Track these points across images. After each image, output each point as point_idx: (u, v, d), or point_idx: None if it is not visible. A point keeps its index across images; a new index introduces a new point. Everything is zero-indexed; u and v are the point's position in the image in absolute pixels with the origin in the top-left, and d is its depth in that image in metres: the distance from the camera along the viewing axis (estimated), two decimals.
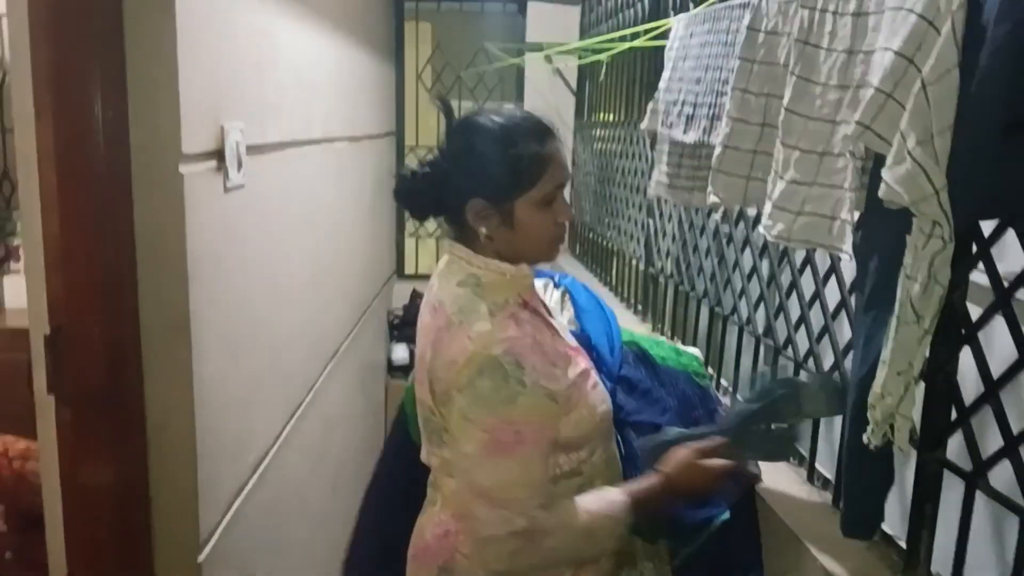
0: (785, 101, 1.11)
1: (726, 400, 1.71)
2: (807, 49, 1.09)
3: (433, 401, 1.20)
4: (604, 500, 1.19)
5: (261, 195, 1.72)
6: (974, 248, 1.03)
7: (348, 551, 1.67)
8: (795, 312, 1.53)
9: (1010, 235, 0.97)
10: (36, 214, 1.28)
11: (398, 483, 1.56)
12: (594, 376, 1.26)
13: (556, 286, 1.55)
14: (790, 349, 1.53)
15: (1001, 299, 0.99)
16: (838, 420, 1.31)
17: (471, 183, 1.20)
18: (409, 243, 4.30)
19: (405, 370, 3.75)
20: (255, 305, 1.70)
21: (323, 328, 2.41)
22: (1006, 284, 0.98)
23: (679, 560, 1.31)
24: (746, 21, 1.27)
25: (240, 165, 1.57)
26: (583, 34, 3.75)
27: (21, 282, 4.04)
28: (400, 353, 3.80)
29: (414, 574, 1.31)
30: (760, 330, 1.65)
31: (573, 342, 1.30)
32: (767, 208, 1.11)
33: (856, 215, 1.02)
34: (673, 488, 1.21)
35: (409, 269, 4.29)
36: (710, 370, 1.80)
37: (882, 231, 0.96)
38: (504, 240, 1.22)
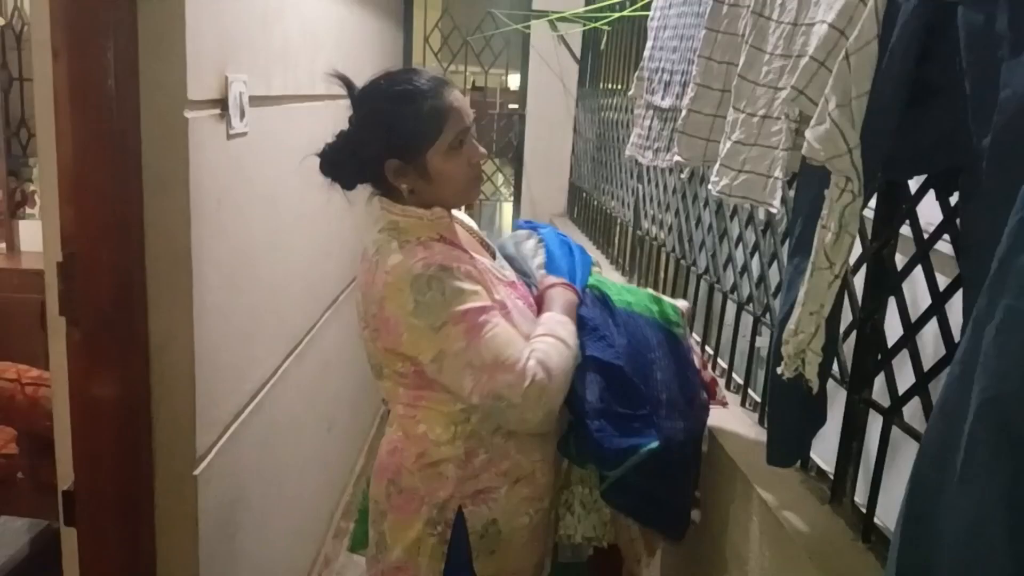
0: (738, 68, 1.21)
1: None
2: (760, 20, 1.19)
3: (370, 336, 1.36)
4: (552, 317, 1.37)
5: (263, 144, 1.83)
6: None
7: None
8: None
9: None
10: (52, 148, 1.40)
11: None
12: (516, 307, 1.40)
13: (534, 235, 1.67)
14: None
15: (921, 252, 1.10)
16: None
17: (383, 146, 1.35)
18: None
19: None
20: (255, 245, 1.82)
21: (321, 276, 2.53)
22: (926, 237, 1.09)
23: (604, 485, 1.42)
24: None
25: (243, 115, 1.68)
26: (588, 3, 3.82)
27: (36, 226, 4.20)
28: None
29: (374, 488, 1.45)
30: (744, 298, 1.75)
31: (507, 277, 1.43)
32: (715, 166, 1.22)
33: (789, 175, 1.12)
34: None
35: None
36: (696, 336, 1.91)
37: (807, 188, 1.06)
38: (425, 191, 1.37)
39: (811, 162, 0.97)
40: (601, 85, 3.42)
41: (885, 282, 1.18)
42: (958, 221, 0.94)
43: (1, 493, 2.35)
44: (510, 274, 1.46)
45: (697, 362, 1.58)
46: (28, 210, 4.10)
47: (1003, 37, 0.76)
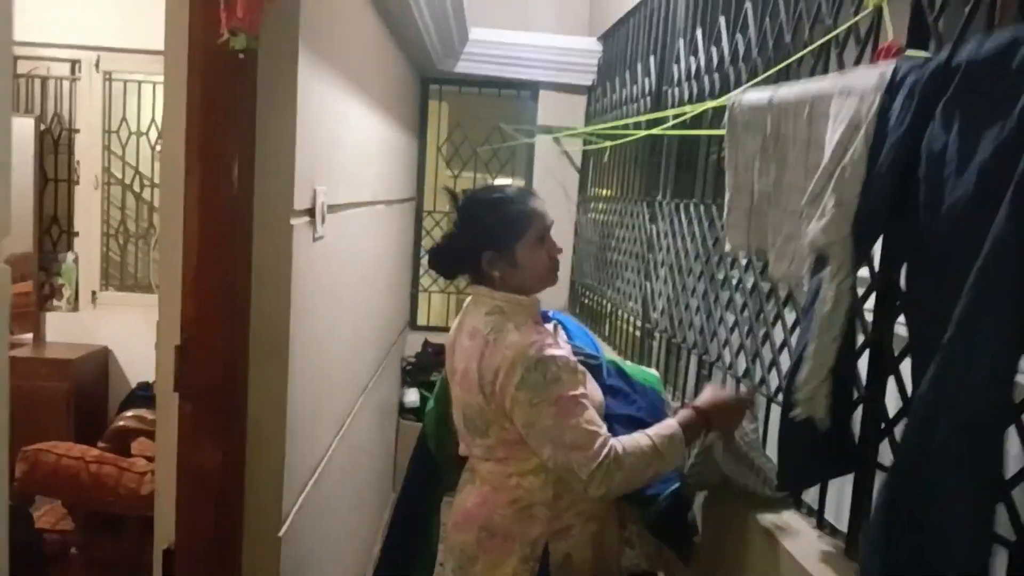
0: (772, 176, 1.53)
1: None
2: (779, 140, 1.51)
3: (484, 400, 1.58)
4: (662, 426, 1.58)
5: (332, 245, 2.10)
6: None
7: (385, 540, 2.05)
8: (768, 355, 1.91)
9: None
10: (175, 248, 1.65)
11: (423, 484, 1.99)
12: (591, 393, 1.66)
13: (548, 321, 1.96)
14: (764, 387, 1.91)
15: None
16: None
17: (481, 242, 1.66)
18: (421, 297, 4.69)
19: (415, 412, 4.08)
20: (323, 335, 2.06)
21: (359, 363, 2.76)
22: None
23: (650, 519, 1.71)
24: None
25: (324, 220, 1.96)
26: (588, 120, 4.22)
27: (62, 317, 4.41)
28: (411, 396, 4.13)
29: (457, 538, 1.67)
30: (740, 372, 2.03)
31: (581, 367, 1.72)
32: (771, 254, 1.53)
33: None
34: (709, 418, 1.60)
35: (420, 321, 4.67)
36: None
37: (816, 270, 1.36)
38: (513, 278, 1.66)
39: (813, 248, 1.26)
40: (600, 192, 3.78)
41: (883, 367, 1.45)
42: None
43: (54, 569, 2.48)
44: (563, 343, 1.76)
45: None
46: (55, 302, 4.33)
47: (952, 159, 1.05)
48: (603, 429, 1.54)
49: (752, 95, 1.67)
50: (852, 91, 1.28)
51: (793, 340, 1.79)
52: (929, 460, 0.98)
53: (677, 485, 1.68)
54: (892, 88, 1.21)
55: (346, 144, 2.29)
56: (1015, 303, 0.90)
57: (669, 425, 1.58)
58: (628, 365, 1.94)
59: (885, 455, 1.44)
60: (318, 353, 2.01)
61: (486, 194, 1.75)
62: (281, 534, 1.74)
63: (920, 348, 1.11)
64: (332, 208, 2.08)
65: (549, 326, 1.93)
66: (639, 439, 1.54)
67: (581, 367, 1.65)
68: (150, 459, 2.51)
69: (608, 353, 1.97)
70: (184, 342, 1.65)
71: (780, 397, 1.77)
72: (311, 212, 1.85)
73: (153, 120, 4.20)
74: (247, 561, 1.72)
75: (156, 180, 4.19)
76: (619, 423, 1.69)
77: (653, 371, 2.03)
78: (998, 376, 0.92)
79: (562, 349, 1.61)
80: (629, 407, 1.74)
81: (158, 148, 4.09)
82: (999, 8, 1.21)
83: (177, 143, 1.66)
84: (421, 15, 2.91)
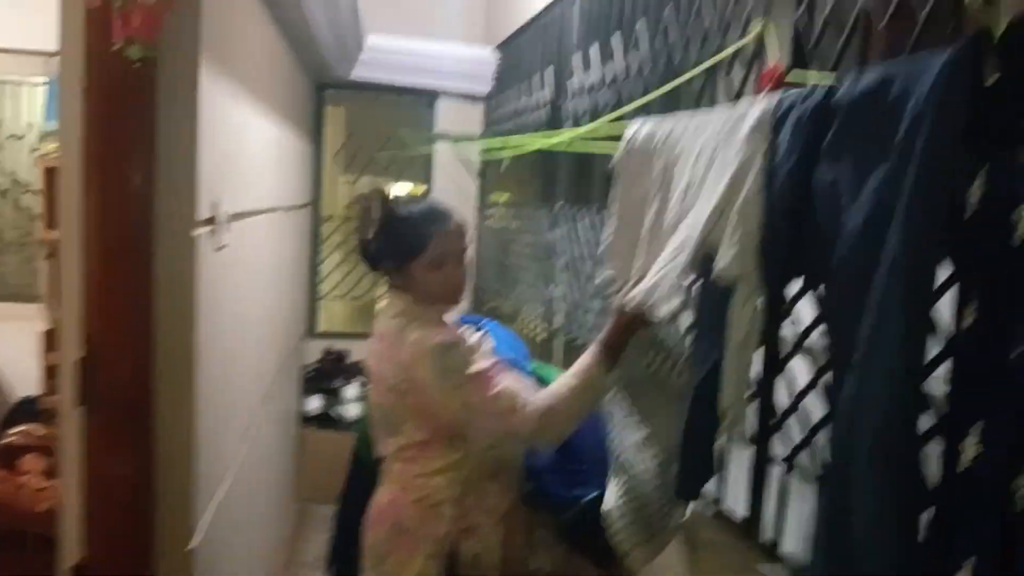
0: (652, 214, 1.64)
1: None
2: (665, 178, 1.62)
3: (396, 399, 1.65)
4: (579, 363, 1.65)
5: (234, 253, 2.10)
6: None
7: (328, 553, 2.08)
8: None
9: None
10: (78, 260, 1.62)
11: (359, 492, 2.00)
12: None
13: (478, 329, 2.02)
14: None
15: (797, 344, 1.52)
16: None
17: (387, 250, 1.74)
18: (322, 304, 4.65)
19: (318, 420, 4.05)
20: (228, 343, 2.06)
21: (262, 371, 2.74)
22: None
23: (566, 522, 1.79)
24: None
25: (226, 229, 1.96)
26: (486, 127, 4.31)
27: None
28: (313, 404, 4.10)
29: (369, 536, 1.72)
30: None
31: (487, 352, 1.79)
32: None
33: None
34: (623, 319, 1.63)
35: (321, 328, 4.63)
36: None
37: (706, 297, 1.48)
38: (414, 289, 1.73)
39: (725, 278, 1.37)
40: (505, 199, 3.87)
41: (773, 367, 1.59)
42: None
43: None
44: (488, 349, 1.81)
45: None
46: None
47: (843, 192, 1.18)
48: (525, 388, 1.63)
49: (645, 129, 1.76)
50: (739, 130, 1.39)
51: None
52: (849, 473, 1.08)
53: (597, 493, 1.74)
54: (776, 123, 1.32)
55: (245, 152, 2.28)
56: (909, 321, 1.00)
57: (583, 358, 1.66)
58: (556, 372, 1.99)
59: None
60: (224, 362, 2.00)
61: (398, 207, 1.78)
62: (193, 547, 1.73)
63: (838, 365, 1.20)
64: (233, 216, 2.08)
65: (477, 334, 1.99)
66: (561, 379, 1.63)
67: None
68: (47, 474, 2.42)
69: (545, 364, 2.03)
70: (88, 354, 1.62)
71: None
72: (213, 221, 1.85)
73: (30, 124, 4.01)
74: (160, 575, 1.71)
75: (34, 187, 3.99)
76: None
77: None
78: (899, 390, 1.01)
79: (462, 336, 1.69)
80: None
81: (36, 153, 3.90)
82: (869, 40, 1.36)
83: (75, 152, 1.63)
84: (315, 21, 2.91)
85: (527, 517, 1.84)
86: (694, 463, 1.56)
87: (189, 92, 1.66)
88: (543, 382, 1.88)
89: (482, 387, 1.60)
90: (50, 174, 3.10)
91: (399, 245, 1.72)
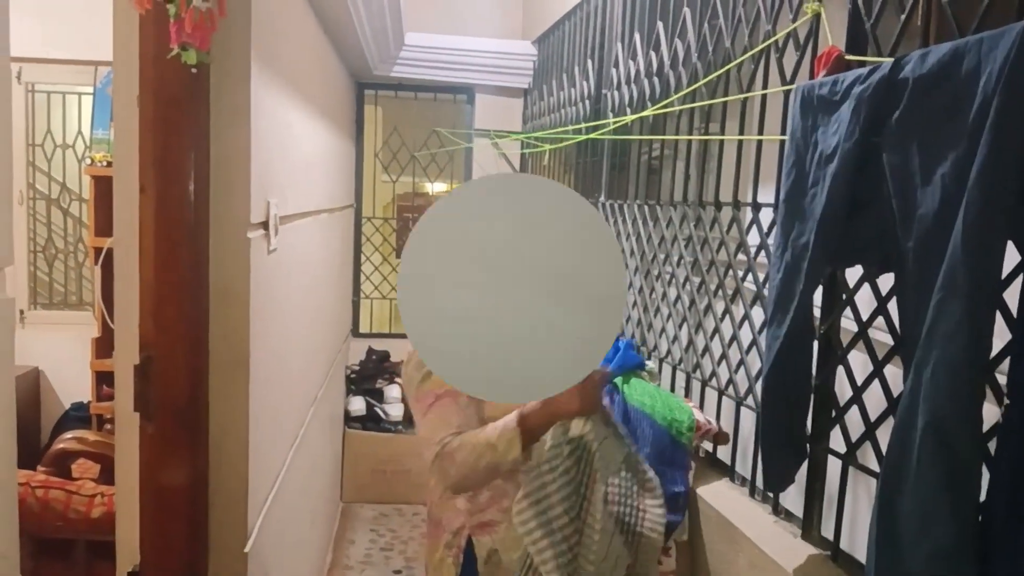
0: None
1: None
2: None
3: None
4: (500, 422, 1.55)
5: (284, 256, 2.09)
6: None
7: None
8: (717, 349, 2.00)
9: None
10: (133, 267, 1.62)
11: None
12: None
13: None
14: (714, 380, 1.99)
15: (859, 333, 1.46)
16: None
17: None
18: (363, 304, 4.66)
19: (361, 420, 4.05)
20: (279, 347, 2.05)
21: (311, 374, 2.75)
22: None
23: None
24: None
25: (277, 232, 1.95)
26: (525, 122, 4.27)
27: None
28: (357, 405, 4.10)
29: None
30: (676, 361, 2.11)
31: None
32: None
33: None
34: (552, 405, 1.51)
35: (363, 328, 4.64)
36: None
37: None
38: None
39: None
40: None
41: (831, 356, 1.53)
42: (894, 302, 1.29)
43: None
44: None
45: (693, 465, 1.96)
46: None
47: (916, 172, 1.13)
48: (453, 430, 1.56)
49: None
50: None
51: (743, 335, 1.88)
52: (907, 463, 1.02)
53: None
54: (834, 101, 1.27)
55: (293, 154, 2.28)
56: (970, 310, 0.95)
57: (507, 418, 1.55)
58: (650, 395, 1.97)
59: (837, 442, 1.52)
60: (275, 366, 2.00)
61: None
62: (247, 550, 1.73)
63: (906, 352, 1.15)
64: (283, 219, 2.08)
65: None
66: (479, 432, 1.54)
67: None
68: (96, 480, 2.44)
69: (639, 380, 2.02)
70: (144, 361, 1.62)
71: (750, 400, 1.85)
72: (265, 225, 1.85)
73: (80, 133, 4.07)
74: None
75: (84, 194, 4.05)
76: None
77: (689, 406, 1.99)
78: (961, 378, 0.96)
79: None
80: None
81: (86, 161, 3.96)
82: (933, 18, 1.30)
83: (130, 159, 1.63)
84: (359, 19, 2.90)
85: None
86: (775, 457, 1.51)
87: (242, 96, 1.66)
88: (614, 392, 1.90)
89: (422, 407, 1.63)
90: (98, 182, 3.13)
91: None
